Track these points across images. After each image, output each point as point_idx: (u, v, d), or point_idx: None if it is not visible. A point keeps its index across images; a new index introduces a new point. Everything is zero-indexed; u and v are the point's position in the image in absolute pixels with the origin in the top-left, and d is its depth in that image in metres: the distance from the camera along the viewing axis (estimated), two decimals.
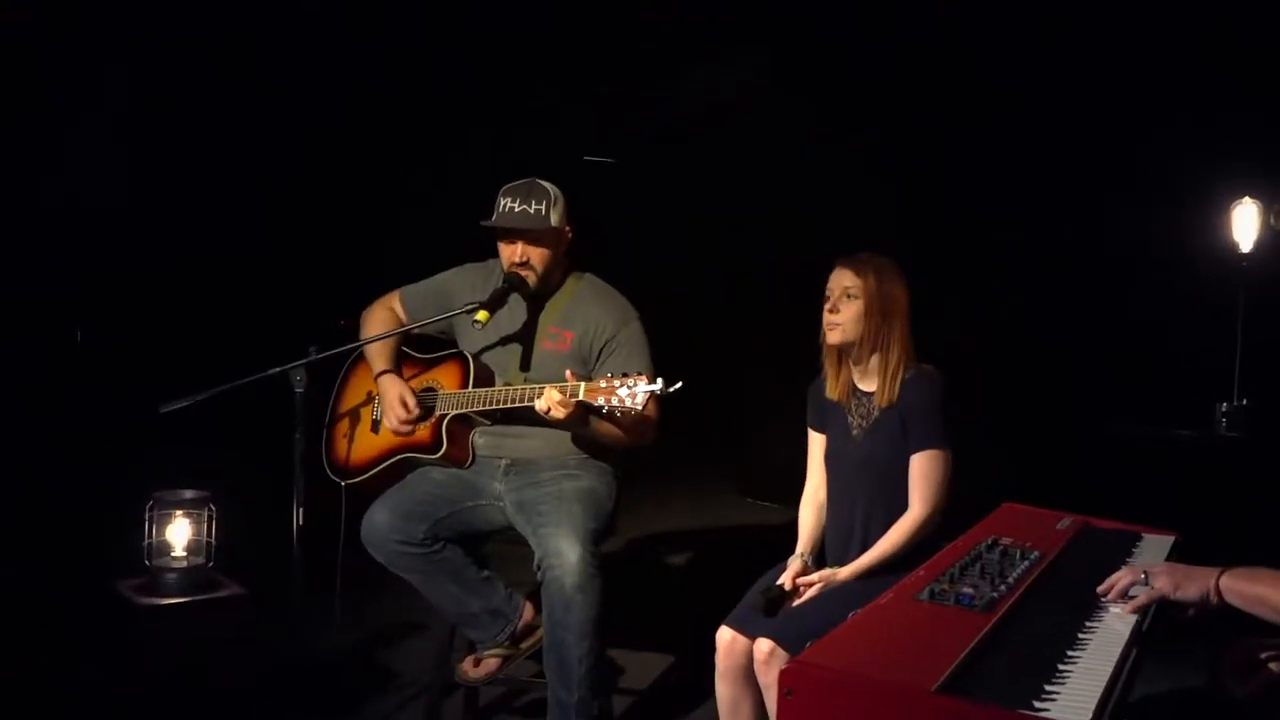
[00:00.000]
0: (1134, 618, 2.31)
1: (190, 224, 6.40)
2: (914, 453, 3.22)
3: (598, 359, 3.64)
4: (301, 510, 3.48)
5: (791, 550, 3.36)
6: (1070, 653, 2.12)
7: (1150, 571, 2.38)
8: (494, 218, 3.63)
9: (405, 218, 6.78)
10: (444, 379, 3.74)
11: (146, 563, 3.80)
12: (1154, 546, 2.90)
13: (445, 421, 3.66)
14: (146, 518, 3.81)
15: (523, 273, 3.63)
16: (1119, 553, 2.81)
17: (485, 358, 3.73)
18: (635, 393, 3.21)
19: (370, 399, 3.90)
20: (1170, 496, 4.99)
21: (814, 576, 3.19)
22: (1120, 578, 2.41)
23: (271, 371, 3.48)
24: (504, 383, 3.67)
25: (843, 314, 3.27)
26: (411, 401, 3.67)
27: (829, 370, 3.40)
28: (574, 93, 7.40)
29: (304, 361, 3.49)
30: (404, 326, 3.83)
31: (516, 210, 3.60)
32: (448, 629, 3.89)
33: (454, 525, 3.63)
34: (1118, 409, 6.15)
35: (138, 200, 6.21)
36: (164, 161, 6.28)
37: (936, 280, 3.48)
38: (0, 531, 5.07)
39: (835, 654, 2.04)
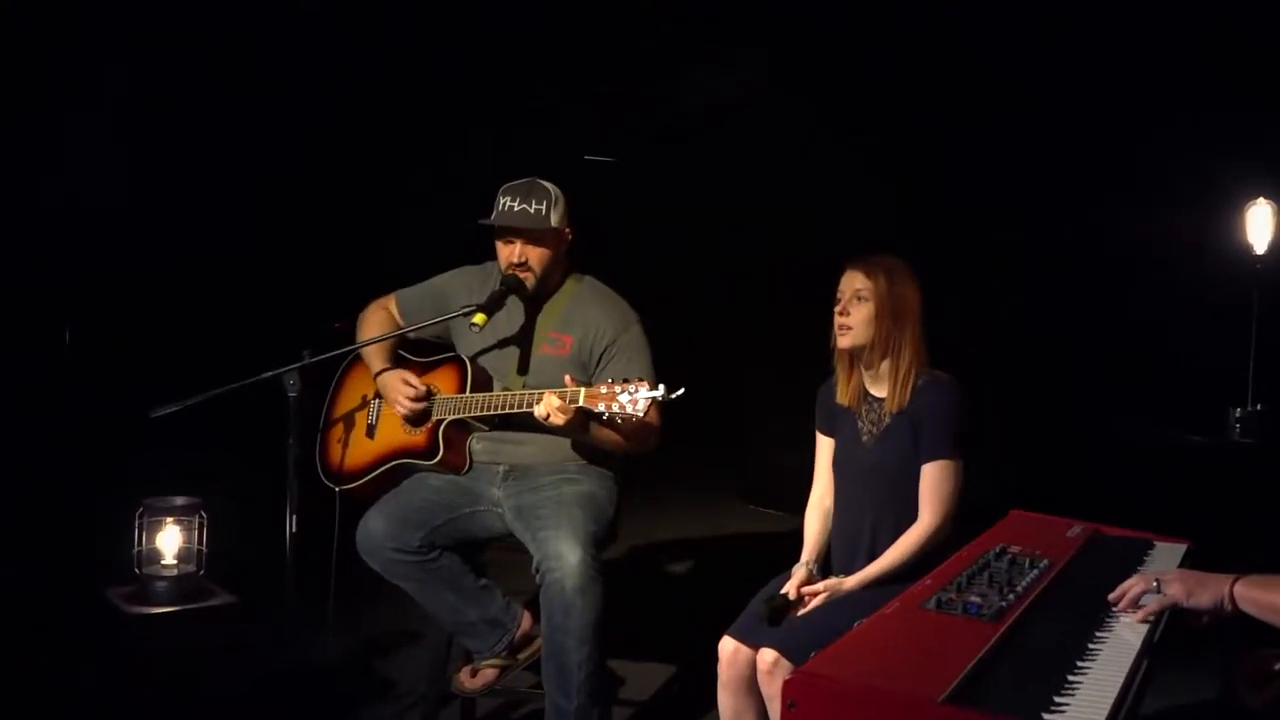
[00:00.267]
0: (1145, 627, 2.31)
1: (184, 225, 6.42)
2: (925, 462, 3.21)
3: (598, 364, 3.64)
4: (295, 517, 3.48)
5: (796, 558, 3.35)
6: (1080, 663, 2.12)
7: (1162, 579, 2.38)
8: (493, 216, 3.63)
9: (404, 218, 6.81)
10: (441, 383, 3.75)
11: (136, 570, 3.79)
12: (1166, 554, 2.90)
13: (442, 426, 3.66)
14: (136, 524, 3.81)
15: (521, 274, 3.63)
16: (1130, 561, 2.81)
17: (483, 361, 3.73)
18: (636, 399, 3.20)
19: (365, 403, 3.90)
20: (1183, 503, 5.00)
21: (819, 586, 3.17)
22: (1132, 585, 2.41)
23: (265, 375, 3.49)
24: (502, 387, 3.68)
25: (853, 317, 3.25)
26: (416, 380, 3.68)
27: (840, 374, 3.38)
28: (574, 93, 7.44)
29: (298, 365, 3.49)
30: (400, 329, 3.83)
31: (516, 209, 3.60)
32: (444, 638, 3.89)
33: (451, 532, 3.63)
34: (1129, 414, 6.15)
35: (131, 200, 6.24)
36: (159, 161, 6.31)
37: (939, 281, 3.47)
38: None
39: (840, 664, 2.04)
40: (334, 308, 4.14)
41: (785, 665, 2.93)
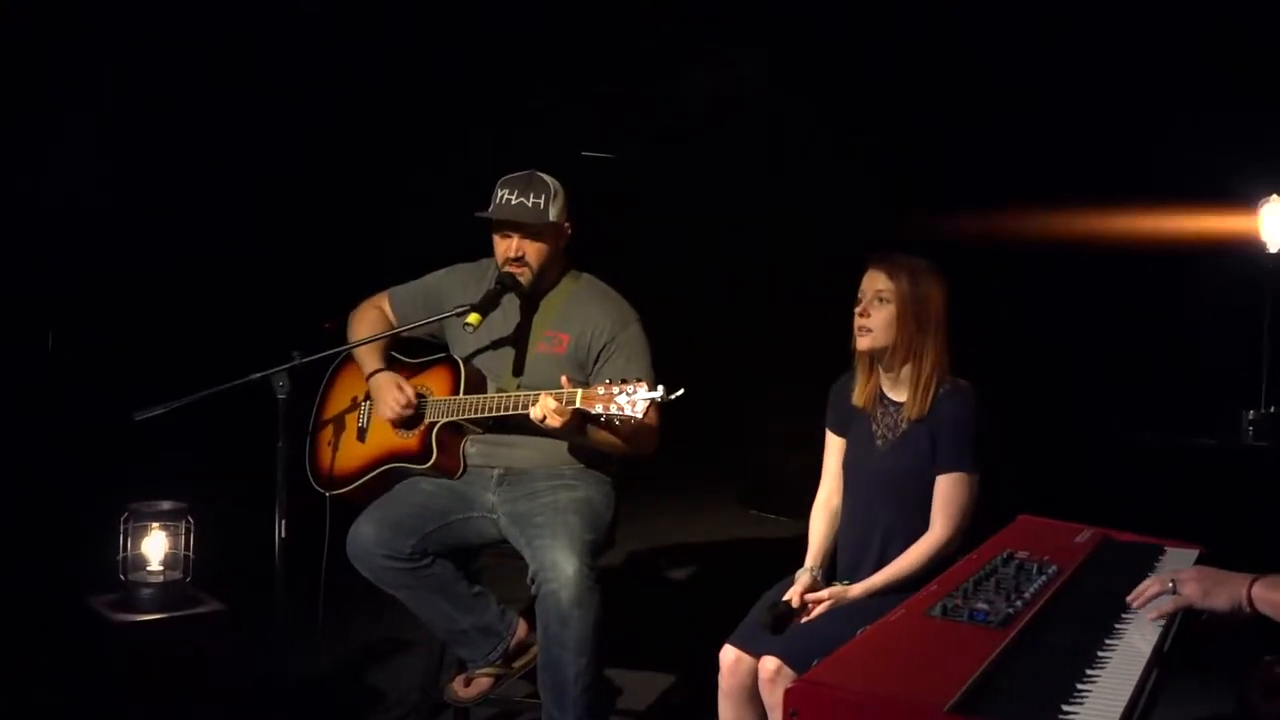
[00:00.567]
0: (1155, 636, 2.31)
1: (176, 225, 6.45)
2: (941, 472, 3.20)
3: (595, 363, 3.64)
4: (284, 522, 3.47)
5: (798, 564, 3.35)
6: (1089, 671, 2.12)
7: (1178, 578, 2.38)
8: (490, 209, 3.62)
9: (403, 218, 6.84)
10: (434, 384, 3.74)
11: (121, 577, 3.78)
12: (1177, 559, 2.90)
13: (435, 429, 3.65)
14: (121, 530, 3.79)
15: (517, 269, 3.62)
16: (1141, 566, 2.81)
17: (477, 362, 3.73)
18: (635, 400, 3.20)
19: (356, 405, 3.89)
20: (1194, 508, 4.99)
21: (824, 593, 3.16)
22: (1148, 586, 2.41)
23: (253, 377, 3.48)
24: (497, 388, 3.67)
25: (873, 318, 3.23)
26: (408, 388, 3.68)
27: (860, 375, 3.35)
28: (573, 91, 7.47)
29: (287, 366, 3.48)
30: (393, 329, 3.82)
31: (514, 203, 3.59)
32: (437, 647, 3.89)
33: (444, 538, 3.62)
34: (1139, 417, 6.15)
35: (126, 200, 6.26)
36: (157, 161, 6.33)
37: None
38: None
39: (843, 672, 2.04)
40: (324, 307, 4.14)
41: (788, 674, 2.92)
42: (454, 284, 3.82)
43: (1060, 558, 2.73)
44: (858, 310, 3.26)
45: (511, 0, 6.88)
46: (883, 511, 3.27)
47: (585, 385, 3.33)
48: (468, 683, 3.70)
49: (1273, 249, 5.98)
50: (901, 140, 6.68)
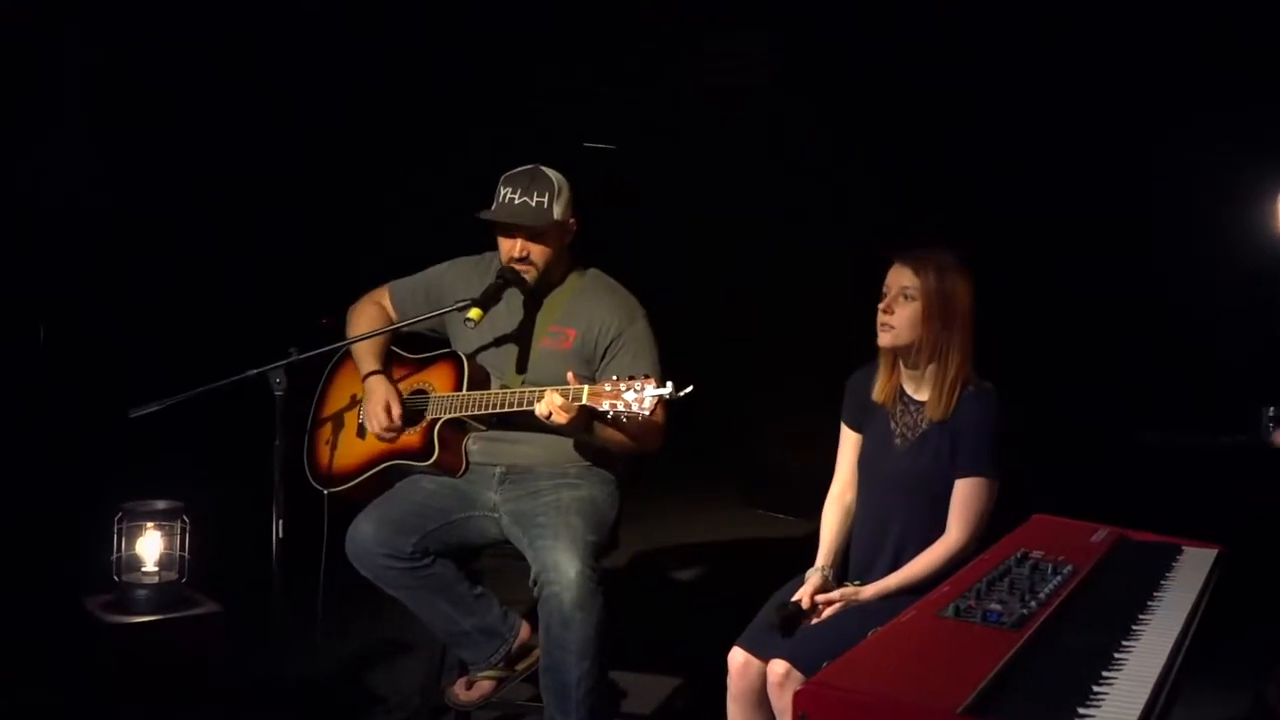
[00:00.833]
0: (1174, 637, 2.31)
1: (174, 222, 6.46)
2: (960, 476, 3.18)
3: (602, 359, 3.64)
4: (281, 522, 3.48)
5: (807, 564, 3.34)
6: (1106, 674, 2.12)
7: None
8: (493, 208, 3.62)
9: (402, 216, 6.86)
10: (436, 380, 3.74)
11: (115, 578, 3.79)
12: (1195, 560, 2.91)
13: (437, 426, 3.66)
14: (115, 530, 3.80)
15: (522, 269, 3.62)
16: (1158, 567, 2.82)
17: (480, 358, 3.73)
18: (643, 397, 3.19)
19: (355, 402, 3.89)
20: (1213, 507, 4.98)
21: (835, 594, 3.16)
22: None
23: (249, 373, 3.49)
24: (500, 384, 3.67)
25: (897, 316, 3.20)
26: (396, 411, 3.67)
27: (882, 370, 3.33)
28: (575, 88, 7.50)
29: (284, 363, 3.48)
30: (393, 324, 3.82)
31: (517, 202, 3.58)
32: (438, 649, 3.89)
33: (445, 538, 3.63)
34: (1155, 413, 6.15)
35: (122, 198, 6.28)
36: (153, 159, 6.35)
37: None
38: None
39: (853, 675, 2.05)
40: (322, 303, 4.14)
41: (797, 677, 2.92)
42: (456, 278, 3.82)
43: (1076, 558, 2.73)
44: (881, 306, 3.23)
45: (511, 0, 6.92)
46: (898, 512, 3.26)
47: (592, 381, 3.33)
48: (469, 686, 3.71)
49: None
50: (909, 135, 6.70)
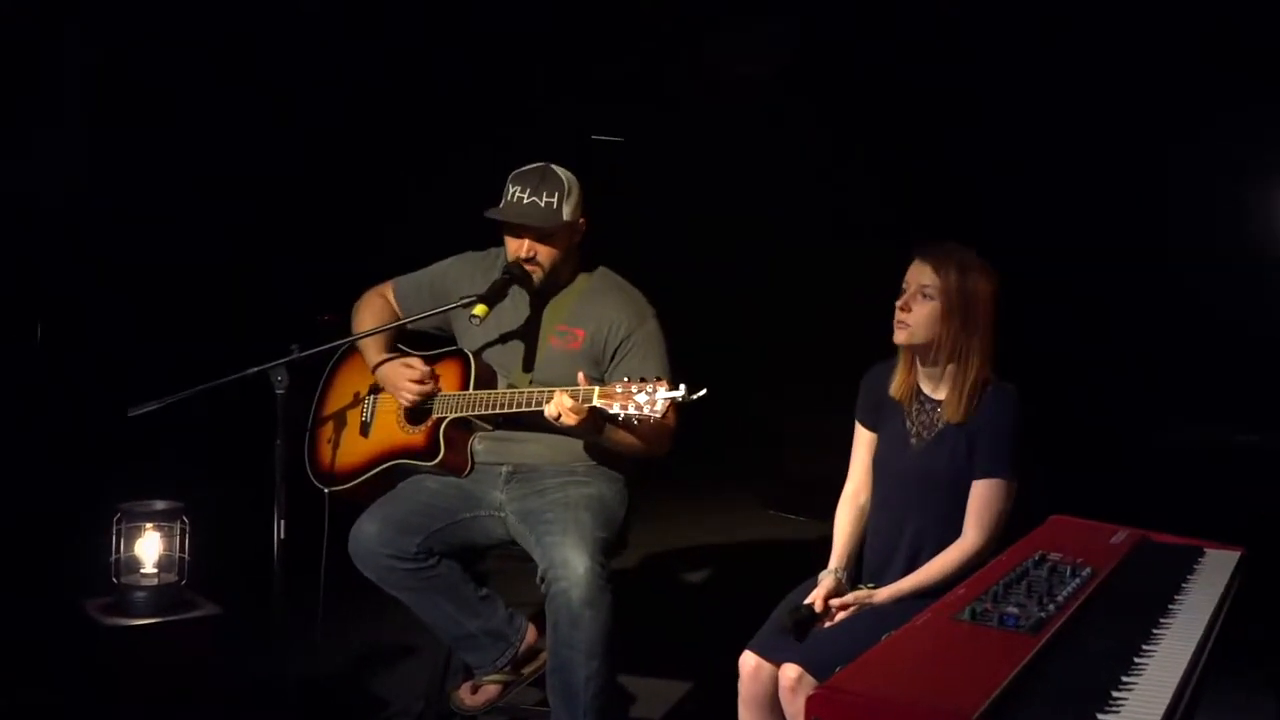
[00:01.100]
0: (1195, 640, 2.30)
1: (173, 221, 6.49)
2: (979, 477, 3.18)
3: (611, 360, 3.64)
4: (283, 522, 3.48)
5: (820, 566, 3.33)
6: (1125, 678, 2.12)
7: None
8: (501, 206, 3.62)
9: (402, 214, 6.88)
10: (442, 379, 3.74)
11: (114, 580, 3.80)
12: (1218, 562, 2.90)
13: (443, 425, 3.65)
14: (114, 531, 3.81)
15: (529, 269, 3.62)
16: (1179, 569, 2.81)
17: (486, 355, 3.73)
18: (654, 399, 3.19)
19: (358, 400, 3.90)
20: (1235, 507, 4.98)
21: (849, 597, 3.16)
22: None
23: (250, 371, 3.49)
24: (507, 383, 3.67)
25: (914, 313, 3.18)
26: (417, 362, 3.68)
27: (901, 365, 3.31)
28: (574, 90, 7.55)
29: (285, 360, 3.49)
30: (398, 320, 3.82)
31: (525, 202, 3.58)
32: (443, 652, 3.89)
33: (450, 538, 3.63)
34: (1176, 412, 6.14)
35: (122, 196, 6.30)
36: (152, 158, 6.38)
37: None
38: None
39: (867, 679, 2.04)
40: (323, 300, 4.15)
41: (810, 682, 2.92)
42: (461, 274, 3.82)
43: (1095, 560, 2.73)
44: (899, 303, 3.21)
45: (511, 0, 6.96)
46: (913, 513, 3.25)
47: (601, 383, 3.32)
48: (474, 690, 3.71)
49: None
50: (910, 135, 6.75)
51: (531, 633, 3.68)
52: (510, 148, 3.79)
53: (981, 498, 3.17)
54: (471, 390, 3.62)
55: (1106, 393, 6.45)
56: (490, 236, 3.75)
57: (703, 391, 3.19)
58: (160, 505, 3.89)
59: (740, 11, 7.32)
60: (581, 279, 3.75)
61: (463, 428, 3.70)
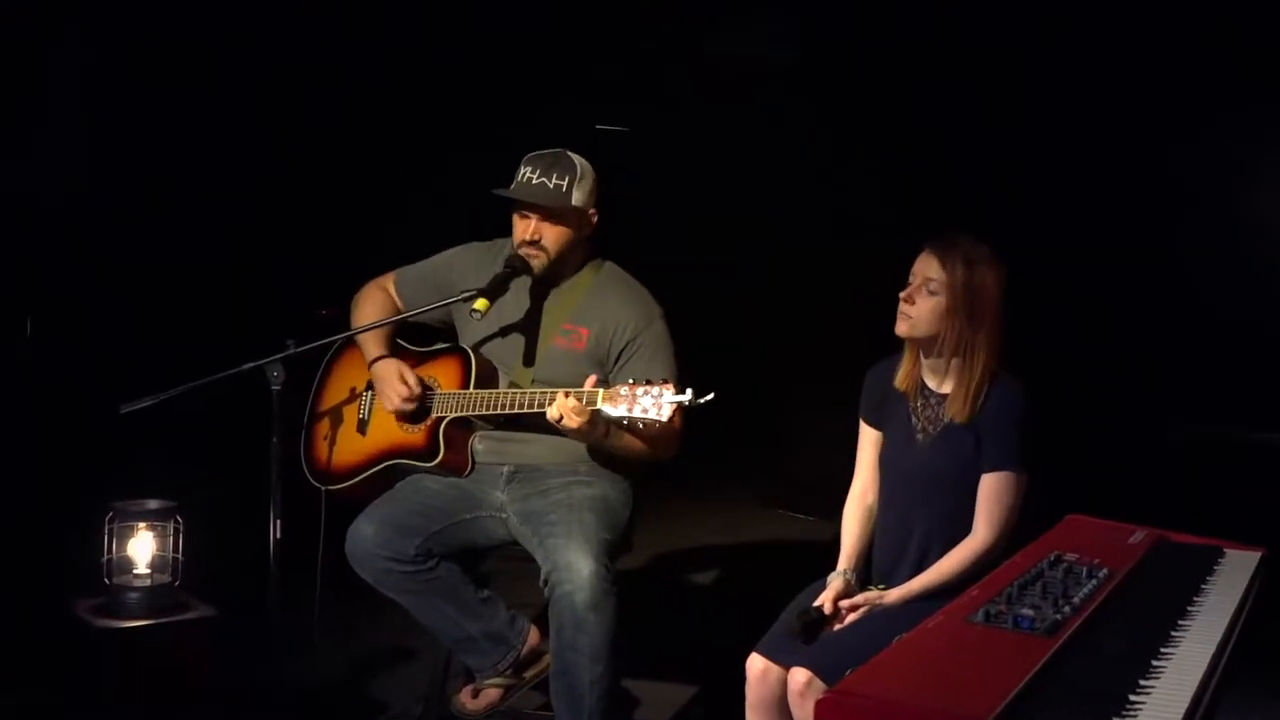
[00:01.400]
0: (1215, 643, 2.30)
1: (169, 215, 6.51)
2: (987, 471, 3.17)
3: (616, 361, 3.63)
4: (279, 522, 3.48)
5: (829, 567, 3.33)
6: (1143, 682, 2.11)
7: None
8: (511, 186, 3.62)
9: (401, 216, 6.91)
10: (441, 376, 3.73)
11: (106, 581, 3.81)
12: (1238, 563, 2.89)
13: (443, 425, 3.65)
14: (106, 531, 3.82)
15: (532, 252, 3.61)
16: (1198, 570, 2.81)
17: (487, 350, 3.72)
18: (661, 403, 3.18)
19: (355, 396, 3.89)
20: (1255, 507, 4.98)
21: (858, 599, 3.16)
22: None
23: (245, 367, 3.49)
24: (509, 381, 3.67)
25: (918, 306, 3.17)
26: (412, 378, 3.67)
27: (906, 356, 3.31)
28: (574, 89, 7.59)
29: (282, 355, 3.49)
30: (399, 313, 3.82)
31: (535, 182, 3.58)
32: (443, 656, 3.90)
33: (450, 540, 3.63)
34: (1195, 409, 6.13)
35: (119, 192, 6.32)
36: (150, 156, 6.40)
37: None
38: None
39: (878, 683, 2.04)
40: (321, 294, 4.15)
41: (819, 685, 2.92)
42: (465, 265, 3.80)
43: (1112, 560, 2.72)
44: (902, 295, 3.21)
45: (511, 0, 7.01)
46: (921, 510, 3.25)
47: (606, 384, 3.31)
48: (475, 694, 3.71)
49: None
50: (921, 138, 6.78)
51: (534, 635, 3.68)
52: (510, 147, 3.79)
53: (990, 491, 3.17)
54: (472, 389, 3.61)
55: (1117, 392, 6.45)
56: (492, 233, 3.74)
57: (710, 396, 3.17)
58: (153, 504, 3.89)
59: (740, 12, 7.36)
60: (588, 274, 3.74)
61: (463, 427, 3.70)
